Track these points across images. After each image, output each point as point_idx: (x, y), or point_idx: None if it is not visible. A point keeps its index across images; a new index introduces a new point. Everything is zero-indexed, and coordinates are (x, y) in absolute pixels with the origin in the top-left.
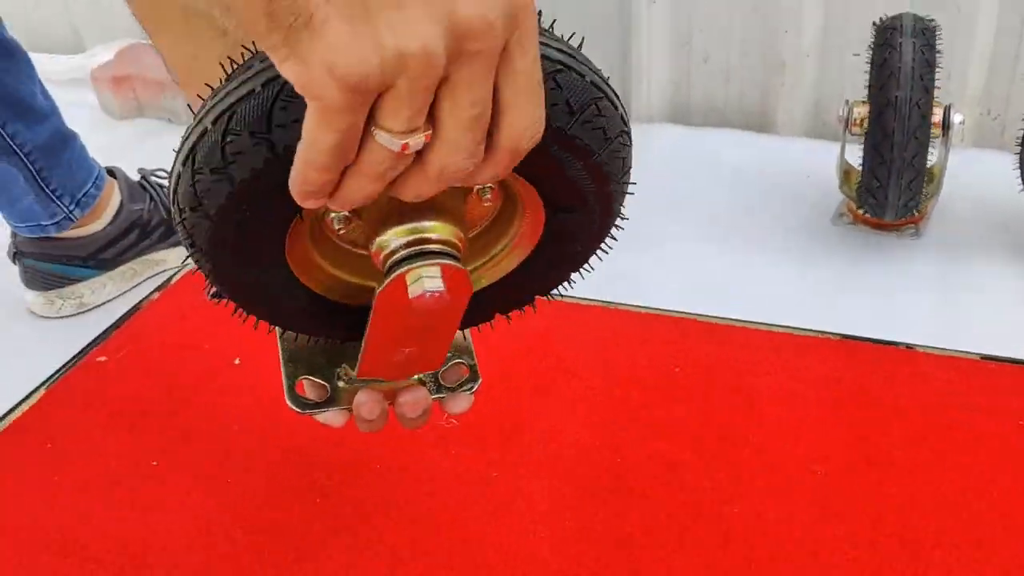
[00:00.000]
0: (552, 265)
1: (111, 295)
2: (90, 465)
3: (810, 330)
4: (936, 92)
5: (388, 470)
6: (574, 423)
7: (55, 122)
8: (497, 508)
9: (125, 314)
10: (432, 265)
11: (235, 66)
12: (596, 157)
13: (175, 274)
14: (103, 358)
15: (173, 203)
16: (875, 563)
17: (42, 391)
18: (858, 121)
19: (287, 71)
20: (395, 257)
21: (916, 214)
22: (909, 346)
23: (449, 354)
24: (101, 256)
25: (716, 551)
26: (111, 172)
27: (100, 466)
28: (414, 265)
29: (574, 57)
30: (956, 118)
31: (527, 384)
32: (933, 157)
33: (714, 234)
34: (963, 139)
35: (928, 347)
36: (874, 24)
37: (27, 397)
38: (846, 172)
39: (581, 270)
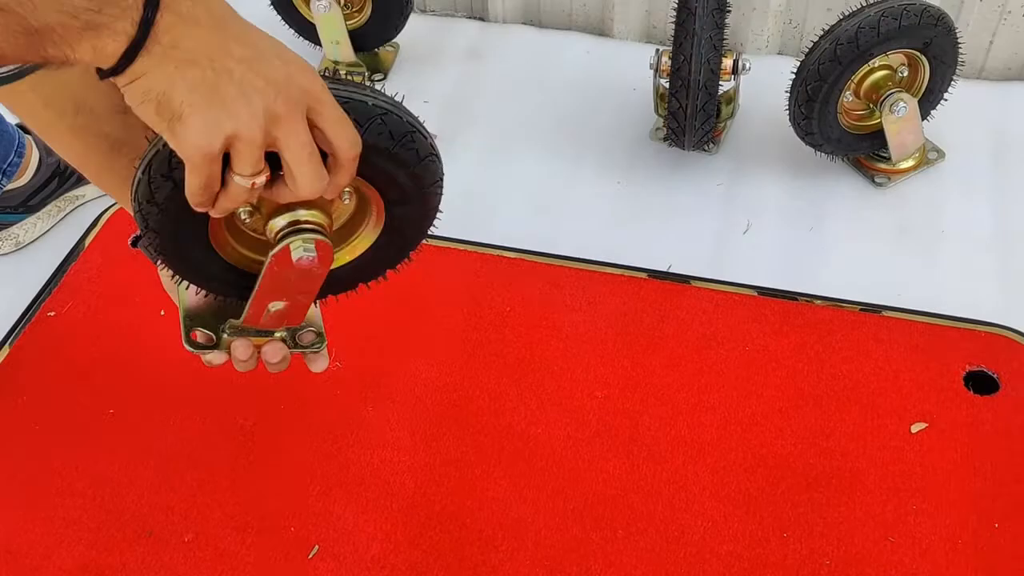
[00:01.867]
0: (392, 246)
1: (42, 231)
2: (60, 414)
3: (612, 264)
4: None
5: (293, 407)
6: (429, 364)
7: None
8: (370, 436)
9: (62, 265)
10: (309, 238)
11: (154, 135)
12: (414, 168)
13: (101, 215)
14: (52, 313)
15: (134, 199)
16: (628, 467)
17: (8, 348)
18: (664, 69)
19: (171, 144)
20: (283, 231)
21: (713, 132)
22: (686, 280)
23: (303, 324)
24: (29, 203)
25: (523, 464)
26: (25, 130)
27: (68, 415)
28: (298, 237)
29: (396, 106)
30: (744, 63)
31: (393, 330)
32: (733, 82)
33: (551, 151)
34: (768, 45)
35: (700, 280)
36: None
37: None
38: (660, 96)
39: (412, 250)
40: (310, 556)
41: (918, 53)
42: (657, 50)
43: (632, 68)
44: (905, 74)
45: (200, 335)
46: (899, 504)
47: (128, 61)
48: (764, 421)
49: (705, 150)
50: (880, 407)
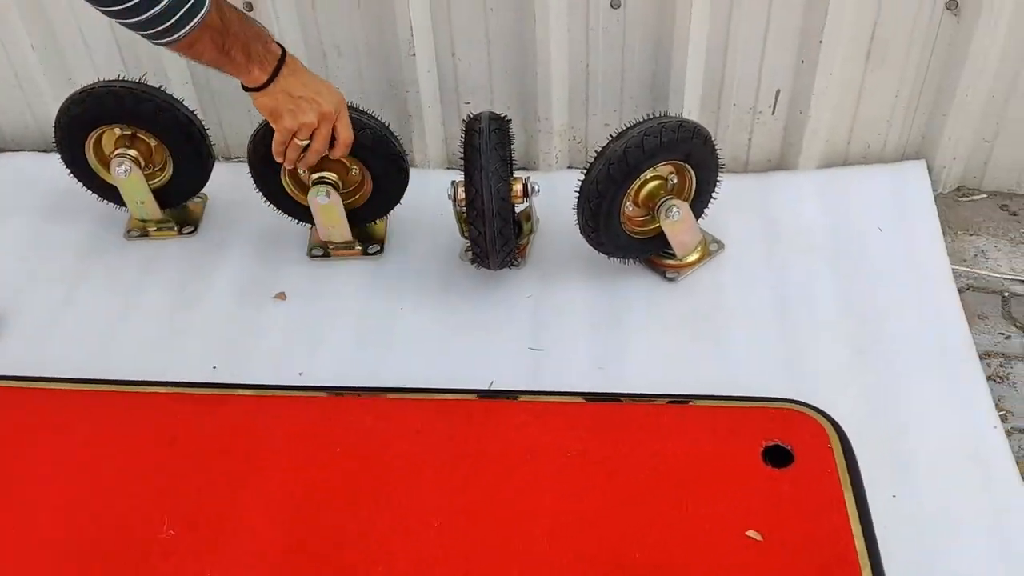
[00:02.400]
0: (379, 202)
1: None
2: None
3: (435, 390)
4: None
5: None
6: (267, 514)
7: None
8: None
9: None
10: (322, 189)
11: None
12: (382, 157)
13: None
14: None
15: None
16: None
17: None
18: (460, 199)
19: (273, 126)
20: (314, 182)
21: (517, 250)
22: (513, 395)
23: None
24: None
25: None
26: None
27: None
28: (320, 186)
29: (379, 126)
30: (534, 186)
31: (225, 487)
32: (527, 203)
33: (370, 284)
34: (557, 161)
35: (525, 393)
36: (462, 121)
37: None
38: (464, 221)
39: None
40: None
41: (682, 162)
42: (453, 181)
43: (437, 194)
44: (675, 181)
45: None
46: None
47: (263, 88)
48: (591, 523)
49: (514, 266)
50: (691, 493)
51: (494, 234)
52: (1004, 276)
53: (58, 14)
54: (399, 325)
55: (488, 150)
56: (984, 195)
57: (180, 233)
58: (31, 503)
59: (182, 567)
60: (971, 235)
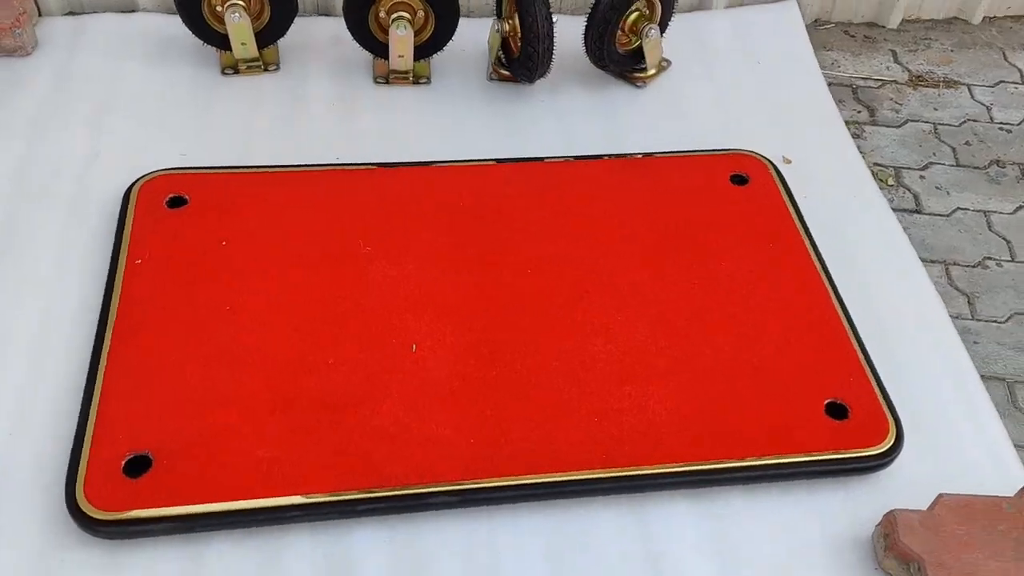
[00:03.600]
0: (435, 40)
1: None
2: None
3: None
4: None
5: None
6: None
7: None
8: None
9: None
10: (400, 22)
11: None
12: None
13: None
14: (139, 260)
15: None
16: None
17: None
18: (508, 29)
19: None
20: (392, 19)
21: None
22: (496, 160)
23: None
24: None
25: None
26: None
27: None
28: (398, 21)
29: None
30: (555, 19)
31: (402, 220)
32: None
33: None
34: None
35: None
36: None
37: None
38: (492, 48)
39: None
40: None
41: None
42: (496, 18)
43: (458, 39)
44: (648, 12)
45: None
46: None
47: None
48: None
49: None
50: (691, 207)
51: (545, 49)
52: (851, 75)
53: None
54: (453, 130)
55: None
56: (832, 24)
57: (265, 70)
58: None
59: (378, 271)
60: (827, 51)
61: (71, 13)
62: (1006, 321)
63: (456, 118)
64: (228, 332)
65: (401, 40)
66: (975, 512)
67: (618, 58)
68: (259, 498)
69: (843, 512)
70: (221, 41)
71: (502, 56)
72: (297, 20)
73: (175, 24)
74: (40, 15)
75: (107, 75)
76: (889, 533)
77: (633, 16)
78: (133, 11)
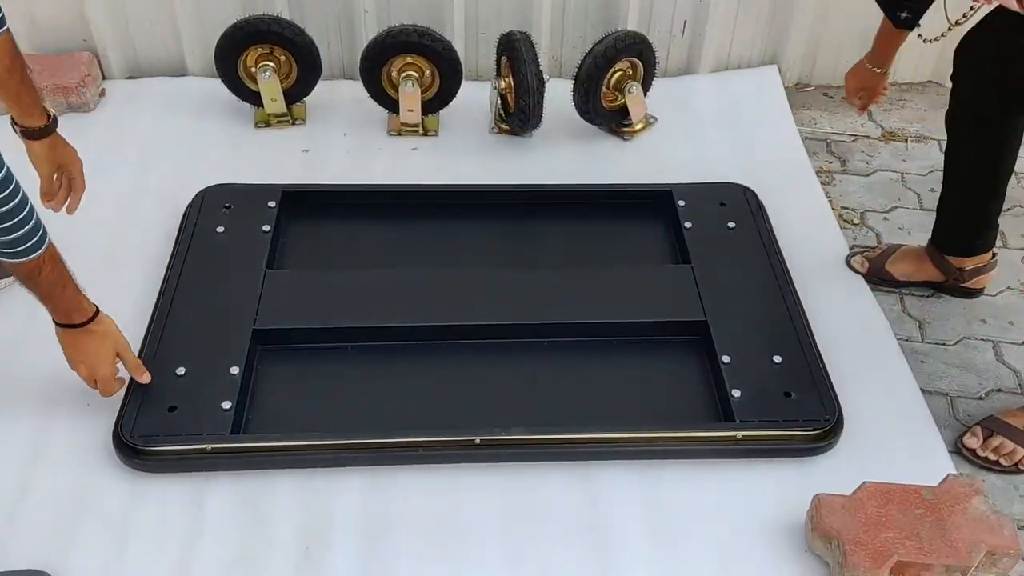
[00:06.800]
0: (440, 97)
1: None
2: None
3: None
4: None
5: None
6: None
7: None
8: None
9: None
10: (408, 79)
11: None
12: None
13: None
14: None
15: None
16: None
17: None
18: (504, 86)
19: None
20: (402, 76)
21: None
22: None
23: None
24: None
25: None
26: None
27: None
28: (406, 80)
29: (443, 38)
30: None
31: None
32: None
33: None
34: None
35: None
36: (498, 37)
37: None
38: (507, 98)
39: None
40: None
41: (636, 59)
42: (494, 77)
43: (463, 97)
44: (631, 72)
45: None
46: None
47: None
48: None
49: (531, 133)
50: None
51: (536, 103)
52: (827, 131)
53: None
54: (462, 167)
55: (527, 49)
56: (812, 87)
57: (293, 123)
58: None
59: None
60: (806, 110)
61: (131, 77)
62: (954, 344)
63: (453, 160)
64: None
65: (410, 96)
66: (894, 497)
67: (604, 112)
68: None
69: (780, 498)
70: (255, 99)
71: (502, 112)
72: (322, 83)
73: (217, 85)
74: (104, 78)
75: (158, 127)
76: (814, 515)
77: (616, 75)
78: (184, 75)
